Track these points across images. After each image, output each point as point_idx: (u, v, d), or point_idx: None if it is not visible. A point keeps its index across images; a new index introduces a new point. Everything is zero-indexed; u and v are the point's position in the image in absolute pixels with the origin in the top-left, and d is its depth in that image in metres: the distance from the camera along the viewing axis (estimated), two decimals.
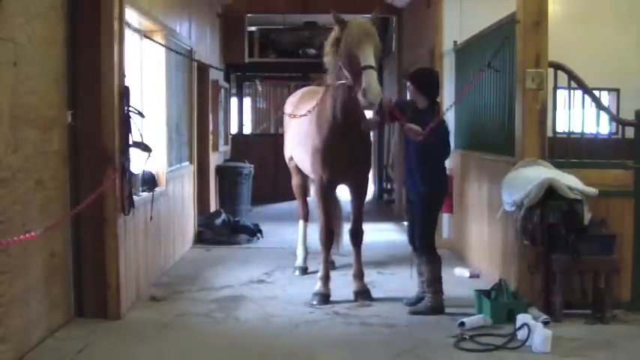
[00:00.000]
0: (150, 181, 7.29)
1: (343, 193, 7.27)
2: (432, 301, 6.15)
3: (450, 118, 9.00)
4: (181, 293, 6.87)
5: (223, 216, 10.15)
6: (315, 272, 6.90)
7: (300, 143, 7.11)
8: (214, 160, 11.78)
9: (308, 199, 8.23)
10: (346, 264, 7.65)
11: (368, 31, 5.94)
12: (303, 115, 6.83)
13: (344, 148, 6.40)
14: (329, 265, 6.83)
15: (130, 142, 6.03)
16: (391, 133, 13.31)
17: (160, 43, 7.47)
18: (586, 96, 6.53)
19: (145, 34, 7.28)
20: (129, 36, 6.42)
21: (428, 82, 6.23)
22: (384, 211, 13.24)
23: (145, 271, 6.84)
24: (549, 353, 5.06)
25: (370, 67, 5.74)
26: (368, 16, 6.21)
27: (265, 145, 14.82)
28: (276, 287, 7.17)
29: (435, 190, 6.20)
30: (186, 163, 9.21)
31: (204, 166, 10.76)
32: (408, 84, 6.44)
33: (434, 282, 6.18)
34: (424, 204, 6.18)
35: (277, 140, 10.03)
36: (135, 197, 6.26)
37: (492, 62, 6.83)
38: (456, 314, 6.00)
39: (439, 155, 6.18)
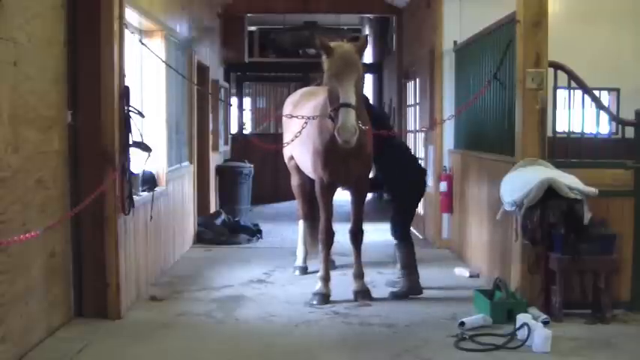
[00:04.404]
0: (150, 181, 7.29)
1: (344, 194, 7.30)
2: (408, 282, 6.78)
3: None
4: (181, 293, 6.87)
5: (223, 216, 10.15)
6: (315, 272, 6.90)
7: (301, 142, 7.03)
8: (214, 160, 11.78)
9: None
10: (346, 264, 7.66)
11: (349, 65, 5.88)
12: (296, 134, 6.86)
13: (344, 153, 6.35)
14: (329, 265, 6.83)
15: (130, 142, 6.04)
16: None
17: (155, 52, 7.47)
18: (586, 96, 6.53)
19: (143, 39, 7.27)
20: (129, 36, 6.41)
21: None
22: (383, 211, 13.19)
23: (145, 270, 6.84)
24: (549, 353, 5.06)
25: (347, 105, 5.71)
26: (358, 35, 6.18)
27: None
28: (276, 287, 7.17)
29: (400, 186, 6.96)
30: (186, 162, 9.21)
31: (204, 166, 10.76)
32: None
33: (408, 265, 6.81)
34: (397, 199, 7.04)
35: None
36: (135, 197, 6.25)
37: (497, 73, 6.88)
38: (456, 314, 6.01)
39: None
